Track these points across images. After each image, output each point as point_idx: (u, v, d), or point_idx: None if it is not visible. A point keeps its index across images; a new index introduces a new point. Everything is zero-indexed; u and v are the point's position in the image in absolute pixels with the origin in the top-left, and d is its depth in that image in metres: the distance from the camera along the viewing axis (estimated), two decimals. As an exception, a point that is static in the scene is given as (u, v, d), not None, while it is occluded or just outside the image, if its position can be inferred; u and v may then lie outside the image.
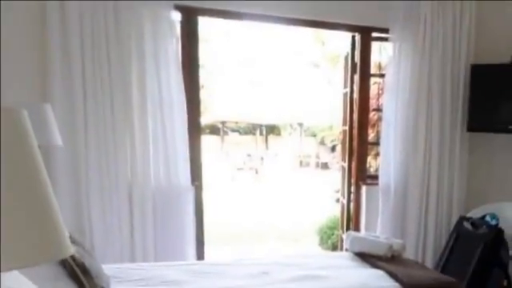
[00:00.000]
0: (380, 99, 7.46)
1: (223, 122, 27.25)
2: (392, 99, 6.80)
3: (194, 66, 6.38)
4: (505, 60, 6.52)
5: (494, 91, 6.71)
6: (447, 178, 6.92)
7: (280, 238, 12.83)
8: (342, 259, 5.49)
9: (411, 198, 6.87)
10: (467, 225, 6.47)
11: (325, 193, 17.03)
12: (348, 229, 7.23)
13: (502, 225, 6.27)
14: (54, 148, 5.36)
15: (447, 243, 6.67)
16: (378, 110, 7.50)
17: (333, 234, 10.49)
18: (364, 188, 7.19)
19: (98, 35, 5.59)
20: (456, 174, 6.94)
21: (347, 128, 7.28)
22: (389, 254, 5.35)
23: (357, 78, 7.04)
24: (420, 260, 6.78)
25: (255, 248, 11.63)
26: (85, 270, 3.88)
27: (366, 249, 5.49)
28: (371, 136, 7.84)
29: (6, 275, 1.94)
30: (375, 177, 7.17)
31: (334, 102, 13.29)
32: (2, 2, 5.00)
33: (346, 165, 7.41)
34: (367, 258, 5.34)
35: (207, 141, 18.96)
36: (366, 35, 6.96)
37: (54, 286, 3.46)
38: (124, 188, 5.89)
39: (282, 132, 30.45)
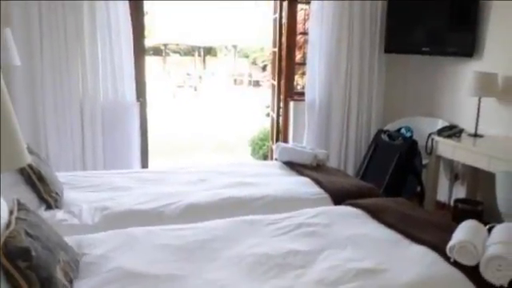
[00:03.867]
0: (306, 24, 7.42)
1: (165, 45, 26.96)
2: (317, 24, 6.75)
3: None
4: (419, -12, 6.52)
5: (408, 17, 6.70)
6: (366, 94, 6.97)
7: (216, 148, 12.85)
8: (272, 168, 5.49)
9: (334, 112, 6.91)
10: (384, 137, 6.53)
11: (256, 108, 17.02)
12: (277, 140, 7.24)
13: (415, 137, 6.36)
14: (13, 68, 5.44)
15: (366, 153, 6.75)
16: (305, 33, 7.43)
17: (264, 145, 10.53)
18: (292, 104, 7.17)
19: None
20: (374, 92, 7.00)
21: (277, 50, 7.21)
22: (314, 163, 5.38)
23: (285, 4, 6.94)
24: (342, 168, 6.87)
25: (194, 158, 11.62)
26: (41, 177, 3.96)
27: (293, 158, 5.51)
28: (298, 57, 7.81)
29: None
30: (302, 93, 7.15)
31: (264, 26, 13.22)
32: None
33: (275, 83, 7.36)
34: (294, 166, 5.36)
35: (151, 61, 18.77)
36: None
37: (13, 191, 3.45)
38: (76, 104, 6.00)
39: (218, 53, 30.22)
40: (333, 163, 6.64)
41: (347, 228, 3.57)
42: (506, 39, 5.73)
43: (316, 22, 6.77)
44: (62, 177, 4.57)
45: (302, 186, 4.72)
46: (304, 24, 7.85)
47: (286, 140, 7.22)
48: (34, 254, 2.37)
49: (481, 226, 3.22)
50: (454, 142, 5.69)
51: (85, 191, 4.44)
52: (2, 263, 2.26)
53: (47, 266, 2.44)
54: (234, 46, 28.27)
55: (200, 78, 26.56)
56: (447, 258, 2.97)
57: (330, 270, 2.90)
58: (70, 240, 3.05)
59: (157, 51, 26.80)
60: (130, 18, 6.11)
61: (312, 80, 6.93)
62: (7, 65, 5.05)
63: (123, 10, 6.05)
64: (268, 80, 12.30)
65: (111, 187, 4.58)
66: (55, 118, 5.92)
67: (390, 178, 6.15)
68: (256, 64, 27.85)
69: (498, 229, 3.15)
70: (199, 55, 28.28)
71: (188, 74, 26.21)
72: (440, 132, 5.92)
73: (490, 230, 3.16)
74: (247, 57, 28.83)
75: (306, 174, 5.04)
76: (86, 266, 2.88)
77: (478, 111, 5.76)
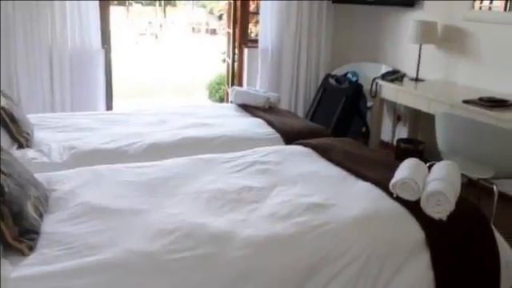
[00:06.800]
0: (260, -25, 7.37)
1: (128, -6, 26.72)
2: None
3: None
4: None
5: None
6: (315, 42, 7.02)
7: (176, 92, 12.83)
8: (228, 110, 5.47)
9: (285, 58, 6.93)
10: (332, 81, 6.55)
11: (213, 54, 16.88)
12: (233, 84, 7.22)
13: (361, 81, 6.37)
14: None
15: (315, 96, 6.77)
16: (258, -16, 7.40)
17: (220, 89, 10.51)
18: (246, 50, 7.15)
19: None
20: (323, 39, 7.04)
21: (232, 0, 7.15)
22: (266, 105, 5.37)
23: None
24: (293, 110, 6.88)
25: (155, 101, 11.57)
26: (13, 119, 3.94)
27: (247, 101, 5.49)
28: (252, 7, 7.73)
29: None
30: (255, 41, 7.14)
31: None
32: None
33: (231, 31, 7.30)
34: (248, 108, 5.35)
35: (115, 11, 18.46)
36: None
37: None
38: (45, 51, 5.97)
39: (178, 3, 29.96)
40: (284, 105, 6.63)
41: (297, 166, 3.58)
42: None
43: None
44: (32, 118, 4.53)
45: (256, 126, 4.73)
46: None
47: (240, 84, 7.20)
48: (6, 189, 2.36)
49: (421, 163, 3.25)
50: (396, 86, 5.74)
51: (54, 131, 4.40)
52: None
53: (19, 202, 2.44)
54: (193, -4, 28.06)
55: (161, 26, 26.26)
56: (390, 194, 2.99)
57: (281, 204, 2.91)
58: (40, 177, 3.02)
59: (120, 1, 26.43)
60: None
61: (265, 28, 6.92)
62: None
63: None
64: (224, 28, 12.12)
65: (78, 128, 4.54)
66: (26, 65, 5.86)
67: (338, 120, 6.19)
68: (213, 13, 27.56)
69: (438, 166, 3.18)
70: (160, 5, 28.01)
71: (149, 23, 25.90)
72: (384, 76, 5.95)
73: (430, 168, 3.19)
74: (205, 7, 28.54)
75: (259, 116, 5.04)
76: (55, 201, 2.86)
77: (419, 57, 5.83)
